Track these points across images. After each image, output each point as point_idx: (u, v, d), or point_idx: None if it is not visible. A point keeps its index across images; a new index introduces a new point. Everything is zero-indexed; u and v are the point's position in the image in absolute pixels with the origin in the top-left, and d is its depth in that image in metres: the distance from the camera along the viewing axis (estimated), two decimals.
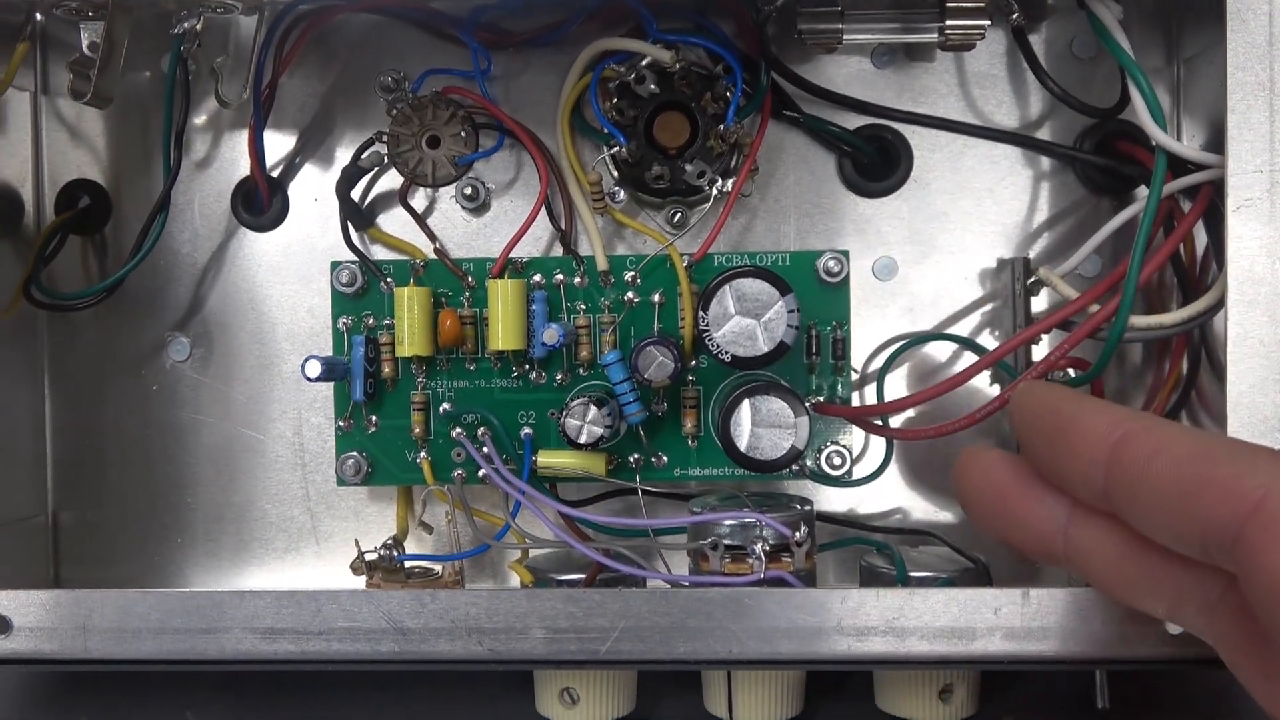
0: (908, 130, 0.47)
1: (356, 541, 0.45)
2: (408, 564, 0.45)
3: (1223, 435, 0.25)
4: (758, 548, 0.39)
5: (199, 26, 0.44)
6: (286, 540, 0.49)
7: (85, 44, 0.44)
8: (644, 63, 0.43)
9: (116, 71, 0.45)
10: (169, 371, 0.49)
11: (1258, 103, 0.37)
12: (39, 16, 0.45)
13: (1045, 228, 0.47)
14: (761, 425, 0.41)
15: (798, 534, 0.40)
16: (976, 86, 0.47)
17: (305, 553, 0.49)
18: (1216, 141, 0.38)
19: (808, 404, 0.42)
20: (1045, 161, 0.47)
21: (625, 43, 0.44)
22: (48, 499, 0.50)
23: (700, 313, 0.41)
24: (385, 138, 0.46)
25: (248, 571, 0.49)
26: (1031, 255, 0.47)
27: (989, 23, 0.42)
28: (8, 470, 0.48)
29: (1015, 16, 0.43)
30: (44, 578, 0.49)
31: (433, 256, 0.46)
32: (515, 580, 0.45)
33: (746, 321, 0.41)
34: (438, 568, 0.45)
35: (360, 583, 0.44)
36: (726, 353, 0.41)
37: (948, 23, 0.42)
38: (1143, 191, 0.46)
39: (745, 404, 0.41)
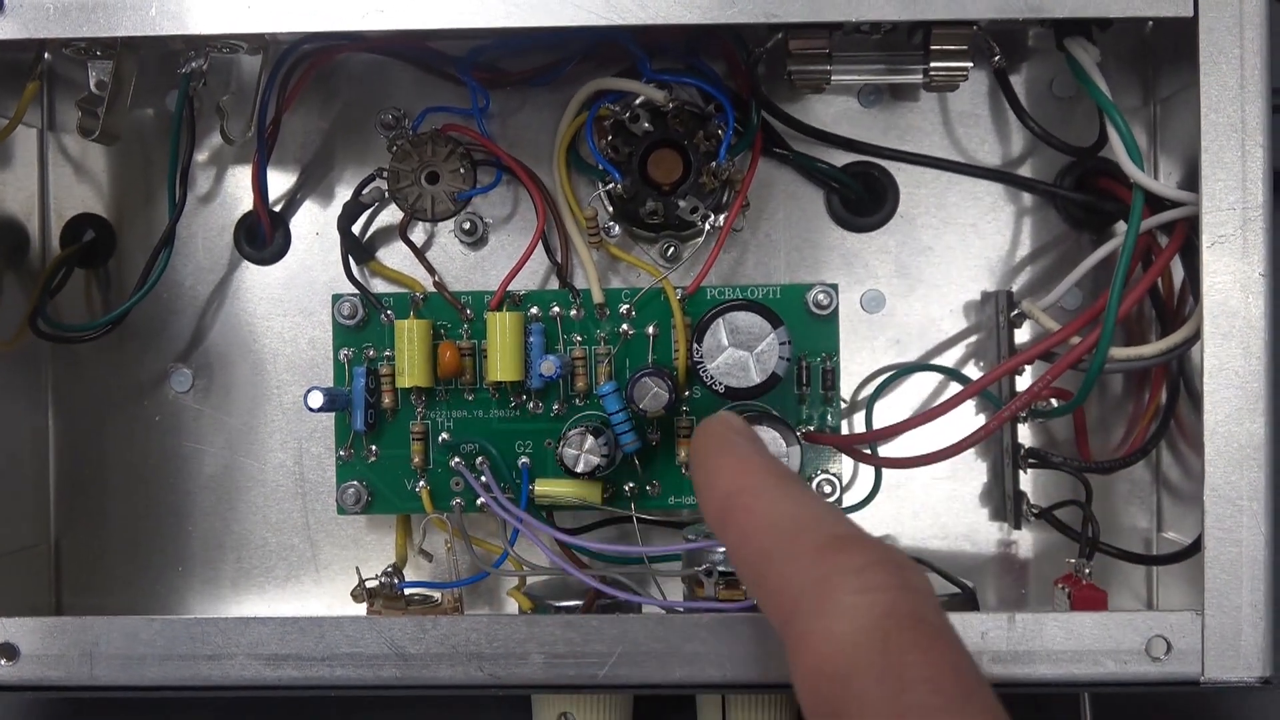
0: (894, 167, 0.48)
1: (358, 569, 0.46)
2: (408, 591, 0.45)
3: (811, 513, 0.31)
4: None
5: (205, 66, 0.45)
6: (287, 568, 0.50)
7: (93, 82, 0.45)
8: (638, 102, 0.44)
9: (124, 109, 0.46)
10: (171, 402, 0.50)
11: (1230, 143, 0.38)
12: (47, 55, 0.46)
13: (1027, 262, 0.49)
14: None
15: None
16: (960, 125, 0.49)
17: (305, 581, 0.50)
18: (1192, 178, 0.40)
19: (798, 433, 0.43)
20: (1027, 198, 0.49)
21: (620, 83, 0.45)
22: (50, 527, 0.50)
23: (694, 345, 0.42)
24: (385, 174, 0.47)
25: (248, 599, 0.50)
26: (1014, 288, 0.48)
27: (972, 64, 0.44)
28: (11, 499, 0.48)
29: (997, 59, 0.44)
30: (46, 605, 0.50)
31: (432, 290, 0.47)
32: (514, 607, 0.46)
33: (739, 354, 0.42)
34: (437, 595, 0.46)
35: (361, 610, 0.45)
36: (720, 384, 0.42)
37: (932, 64, 0.44)
38: (1121, 227, 0.48)
39: None
